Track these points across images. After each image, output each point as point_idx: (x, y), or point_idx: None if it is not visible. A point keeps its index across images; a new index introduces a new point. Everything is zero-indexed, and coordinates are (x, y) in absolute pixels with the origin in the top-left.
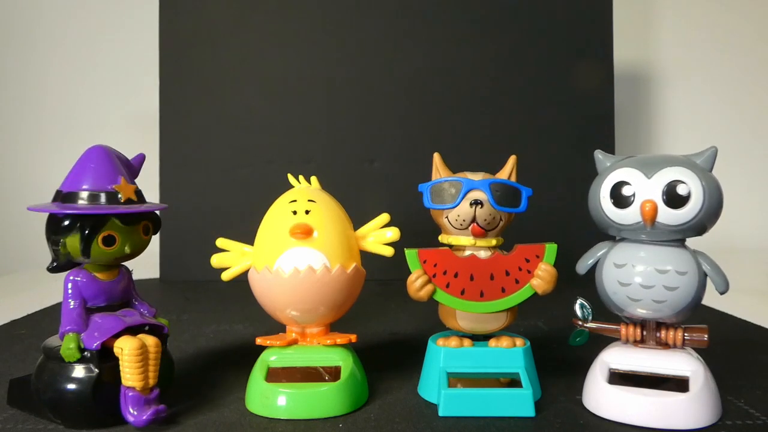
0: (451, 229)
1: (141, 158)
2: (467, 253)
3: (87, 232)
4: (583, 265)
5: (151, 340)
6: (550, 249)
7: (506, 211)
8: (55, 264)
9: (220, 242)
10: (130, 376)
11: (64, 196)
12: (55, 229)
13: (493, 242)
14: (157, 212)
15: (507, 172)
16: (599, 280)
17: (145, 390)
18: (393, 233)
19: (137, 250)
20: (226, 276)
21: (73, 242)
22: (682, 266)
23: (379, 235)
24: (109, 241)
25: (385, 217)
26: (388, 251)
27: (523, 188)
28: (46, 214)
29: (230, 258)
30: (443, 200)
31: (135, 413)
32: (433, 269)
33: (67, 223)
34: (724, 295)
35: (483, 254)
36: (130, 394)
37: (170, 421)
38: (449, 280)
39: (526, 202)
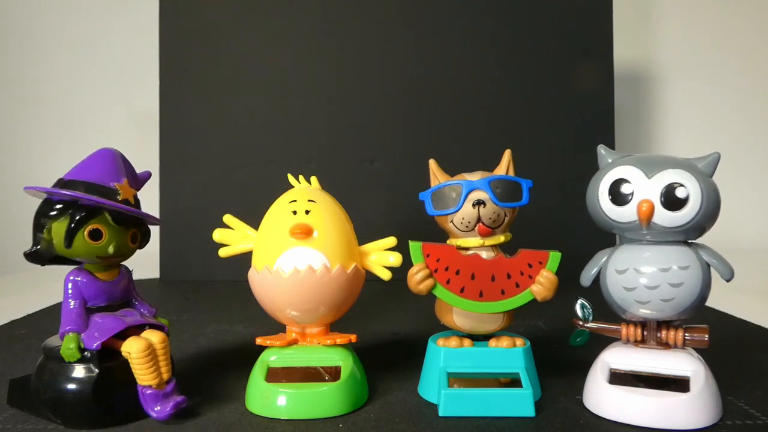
0: (458, 232)
1: (147, 175)
2: (471, 251)
3: (77, 219)
4: (586, 277)
5: (156, 337)
6: (554, 257)
7: (509, 206)
8: (35, 249)
9: (227, 219)
10: (143, 376)
11: (64, 184)
12: (46, 212)
13: (502, 239)
14: (149, 226)
15: (504, 167)
16: (605, 289)
17: (161, 385)
18: (395, 258)
19: (120, 254)
20: (223, 252)
21: (59, 228)
22: (683, 261)
23: (381, 257)
24: (95, 234)
25: (392, 241)
26: (386, 275)
27: (522, 180)
28: None
29: (232, 236)
30: (446, 205)
31: (158, 409)
32: (435, 264)
33: (59, 207)
34: (728, 288)
35: (486, 254)
36: (148, 392)
37: (170, 421)
38: (450, 276)
39: (527, 194)
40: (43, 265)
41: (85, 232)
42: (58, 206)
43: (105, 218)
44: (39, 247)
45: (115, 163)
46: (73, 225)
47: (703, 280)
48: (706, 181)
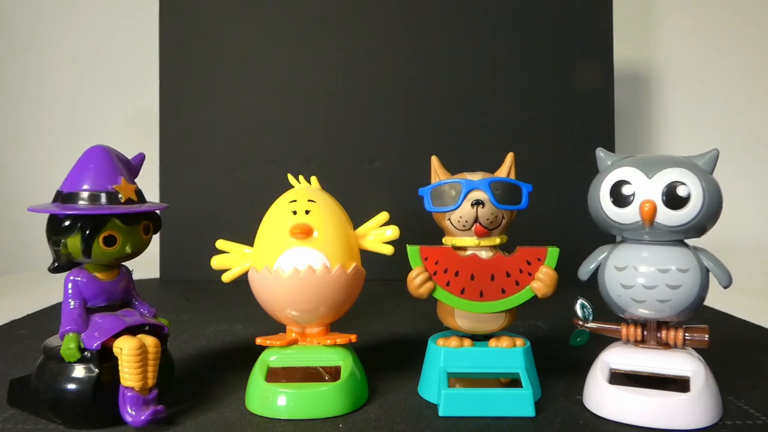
0: (454, 230)
1: (141, 158)
2: (469, 252)
3: (88, 232)
4: (584, 271)
5: (150, 341)
6: (552, 252)
7: (508, 209)
8: (56, 265)
9: (220, 244)
10: (128, 376)
11: (65, 197)
12: (55, 229)
13: (497, 241)
14: (158, 212)
15: (506, 169)
16: (602, 284)
17: (144, 390)
18: (393, 231)
19: (138, 250)
20: (226, 277)
21: (74, 243)
22: (683, 264)
23: (378, 234)
24: (109, 241)
25: (384, 216)
26: (388, 250)
27: (522, 184)
28: (46, 215)
29: (230, 259)
30: (444, 203)
31: (133, 413)
32: (434, 267)
33: (67, 223)
34: (727, 289)
35: (484, 254)
36: (129, 394)
37: (169, 422)
38: (450, 278)
39: (527, 199)
40: (69, 270)
41: (100, 241)
42: (66, 222)
43: (114, 223)
44: (59, 262)
45: (110, 163)
46: (86, 236)
47: (700, 285)
48: (707, 178)
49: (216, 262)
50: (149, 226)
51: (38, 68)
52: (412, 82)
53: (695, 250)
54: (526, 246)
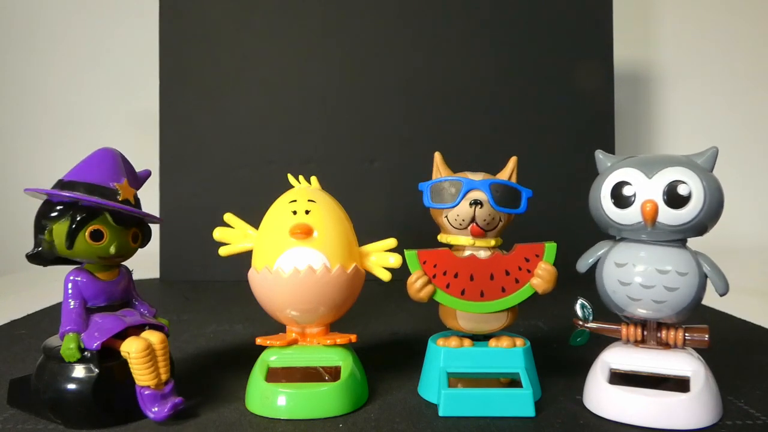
0: (451, 228)
1: (147, 173)
2: (467, 253)
3: (78, 220)
4: (583, 264)
5: (156, 337)
6: (550, 248)
7: (506, 212)
8: (37, 250)
9: (228, 217)
10: (142, 376)
11: (64, 184)
12: (46, 213)
13: (492, 243)
14: (150, 225)
15: (507, 173)
16: (599, 279)
17: (159, 386)
18: (395, 260)
19: (122, 254)
20: (223, 251)
21: (60, 229)
22: (682, 267)
23: (381, 258)
24: (96, 235)
25: (392, 242)
26: (386, 276)
27: (523, 189)
28: None
29: (233, 234)
30: (443, 199)
31: (155, 410)
32: (432, 270)
33: (59, 208)
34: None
35: (483, 254)
36: (146, 392)
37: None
38: (449, 280)
39: (525, 204)
40: (45, 266)
41: (86, 233)
42: (58, 208)
43: (106, 219)
44: (41, 248)
45: (115, 163)
46: (74, 226)
47: (698, 288)
48: (707, 176)
49: (218, 233)
50: (138, 235)
51: (39, 68)
52: (412, 82)
53: (695, 254)
54: (524, 243)
